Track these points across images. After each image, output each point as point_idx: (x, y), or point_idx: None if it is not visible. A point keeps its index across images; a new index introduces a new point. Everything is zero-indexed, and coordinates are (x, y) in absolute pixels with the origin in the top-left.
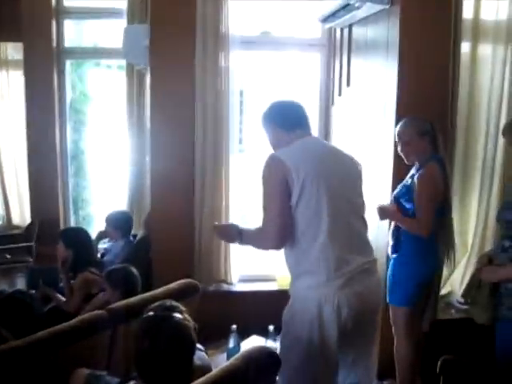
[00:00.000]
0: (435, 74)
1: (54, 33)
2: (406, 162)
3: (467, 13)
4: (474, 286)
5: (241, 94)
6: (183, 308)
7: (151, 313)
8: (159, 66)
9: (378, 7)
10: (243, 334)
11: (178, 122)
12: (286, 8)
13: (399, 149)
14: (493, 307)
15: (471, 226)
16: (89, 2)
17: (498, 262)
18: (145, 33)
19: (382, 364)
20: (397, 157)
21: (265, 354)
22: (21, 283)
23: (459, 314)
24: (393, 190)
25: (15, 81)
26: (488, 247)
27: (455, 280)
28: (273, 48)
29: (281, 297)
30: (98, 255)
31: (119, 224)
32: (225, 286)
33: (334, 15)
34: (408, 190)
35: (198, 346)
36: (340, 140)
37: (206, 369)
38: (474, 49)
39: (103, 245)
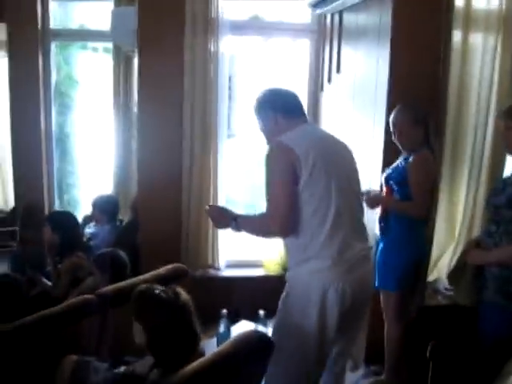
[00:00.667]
0: (427, 62)
1: (39, 13)
2: (401, 149)
3: (459, 1)
4: (459, 268)
5: (230, 79)
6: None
7: (156, 291)
8: (147, 50)
9: None
10: (231, 320)
11: (166, 106)
12: None
13: (394, 137)
14: (476, 290)
15: (459, 213)
16: None
17: (484, 246)
18: (133, 15)
19: (370, 349)
20: (387, 143)
21: (257, 339)
22: (4, 268)
23: (446, 300)
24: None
25: None
26: (476, 235)
27: (442, 267)
28: (262, 33)
29: (268, 282)
30: (85, 240)
31: (106, 208)
32: (212, 272)
33: (324, 1)
34: (399, 173)
35: None
36: (329, 126)
37: (198, 353)
38: (465, 37)
39: (89, 229)
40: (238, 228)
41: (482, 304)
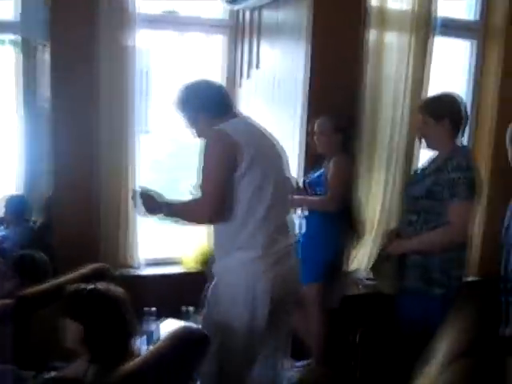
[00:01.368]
0: (346, 60)
1: None
2: (317, 150)
3: (374, 1)
4: (382, 259)
5: (145, 74)
6: None
7: (91, 286)
8: (59, 42)
9: None
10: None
11: (80, 101)
12: None
13: (315, 137)
14: (399, 278)
15: (376, 208)
16: None
17: (404, 235)
18: (43, 5)
19: (294, 345)
20: (306, 141)
21: (192, 334)
22: None
23: (366, 289)
24: (304, 174)
25: None
26: (392, 225)
27: (361, 257)
28: (177, 28)
29: (188, 279)
30: None
31: (15, 209)
32: (131, 271)
33: None
34: (320, 176)
35: None
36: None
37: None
38: (380, 36)
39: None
40: (169, 213)
41: (405, 291)
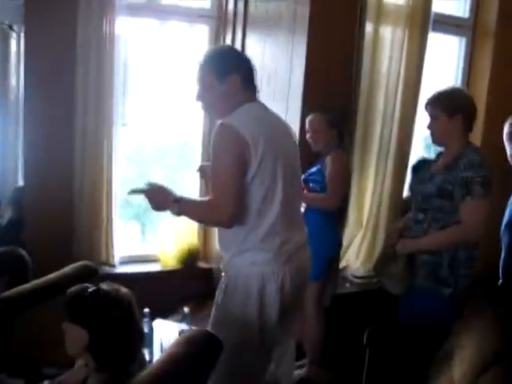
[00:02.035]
0: (342, 52)
1: None
2: (312, 148)
3: None
4: (387, 259)
5: (123, 64)
6: None
7: (94, 287)
8: (36, 27)
9: None
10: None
11: (56, 90)
12: None
13: (308, 135)
14: (409, 278)
15: (367, 203)
16: None
17: (412, 234)
18: None
19: None
20: (303, 137)
21: (204, 337)
22: None
23: (355, 287)
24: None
25: None
26: (382, 223)
27: (350, 255)
28: (158, 16)
29: (166, 276)
30: None
31: None
32: (107, 269)
33: None
34: (316, 173)
35: None
36: None
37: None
38: (376, 30)
39: None
40: (180, 211)
41: (414, 290)
